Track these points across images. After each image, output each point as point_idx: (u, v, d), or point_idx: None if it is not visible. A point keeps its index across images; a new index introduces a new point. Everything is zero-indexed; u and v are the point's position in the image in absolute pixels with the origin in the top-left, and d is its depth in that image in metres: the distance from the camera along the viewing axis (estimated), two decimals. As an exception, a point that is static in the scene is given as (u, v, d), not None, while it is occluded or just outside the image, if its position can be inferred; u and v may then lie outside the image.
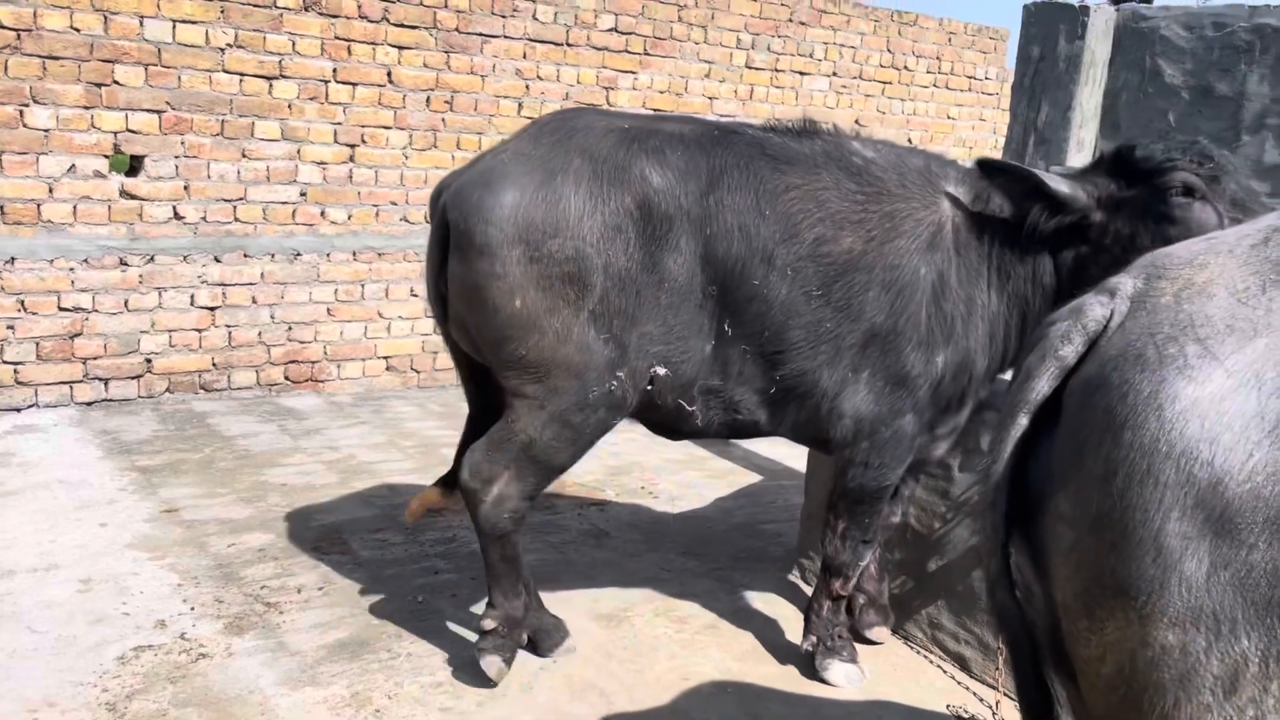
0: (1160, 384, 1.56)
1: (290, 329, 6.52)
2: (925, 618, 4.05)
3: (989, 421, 3.74)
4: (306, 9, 6.17)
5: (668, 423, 3.63)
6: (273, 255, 6.35)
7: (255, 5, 6.01)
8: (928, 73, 9.48)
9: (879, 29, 9.02)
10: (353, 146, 6.51)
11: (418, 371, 7.08)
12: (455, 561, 4.45)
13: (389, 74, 6.55)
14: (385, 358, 6.94)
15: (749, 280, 3.37)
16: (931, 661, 3.99)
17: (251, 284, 6.33)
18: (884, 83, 9.17)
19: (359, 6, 6.33)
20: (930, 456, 3.75)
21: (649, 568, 4.59)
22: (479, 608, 3.87)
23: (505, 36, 6.93)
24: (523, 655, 3.70)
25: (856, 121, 8.98)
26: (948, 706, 3.69)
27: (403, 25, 6.52)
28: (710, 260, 3.36)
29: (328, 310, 6.64)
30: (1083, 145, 4.51)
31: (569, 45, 7.23)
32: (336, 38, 6.30)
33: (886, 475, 3.61)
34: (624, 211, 3.25)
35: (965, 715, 3.62)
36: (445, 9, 6.65)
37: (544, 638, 3.76)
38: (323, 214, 6.49)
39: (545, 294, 3.20)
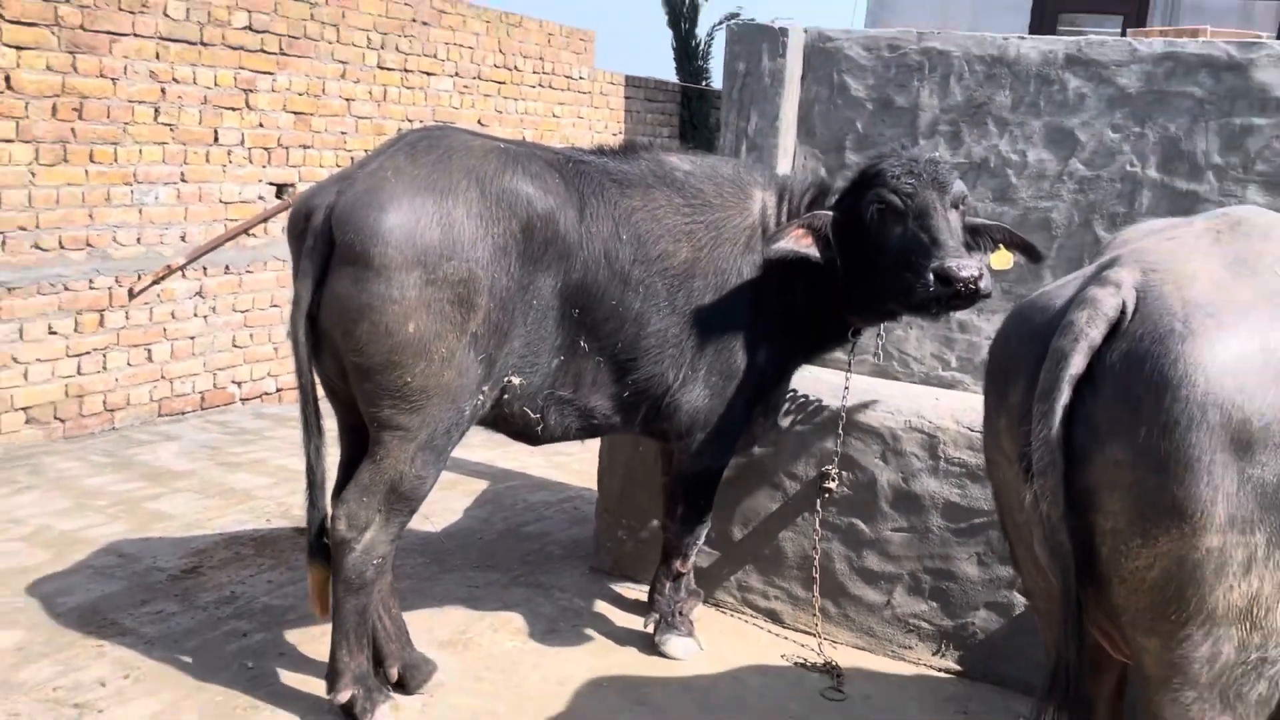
0: (1198, 351, 2.00)
1: (-92, 387, 5.38)
2: (734, 583, 4.47)
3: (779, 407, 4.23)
4: (-103, 1, 5.09)
5: (517, 429, 3.67)
6: (-122, 301, 5.19)
7: None
8: (534, 73, 9.88)
9: (491, 29, 9.23)
10: (-32, 165, 5.49)
11: (63, 420, 6.15)
12: (255, 620, 4.12)
13: (7, 78, 5.59)
14: (25, 409, 5.95)
15: (608, 301, 3.54)
16: (746, 621, 4.39)
17: None
18: (499, 83, 9.42)
19: (-38, -1, 5.34)
20: (752, 441, 4.10)
21: (457, 588, 4.57)
22: (315, 654, 3.69)
23: (136, 35, 6.19)
24: (402, 698, 3.60)
25: (479, 121, 9.15)
26: (782, 656, 4.11)
27: (19, 22, 5.59)
28: (578, 284, 3.48)
29: (-48, 360, 5.56)
30: (787, 151, 5.15)
31: (204, 45, 6.62)
32: (-62, 36, 5.27)
33: (719, 461, 3.93)
34: (510, 234, 3.27)
35: (804, 662, 4.06)
36: (68, 4, 5.80)
37: (413, 673, 3.69)
38: (-62, 246, 5.42)
39: (436, 318, 3.15)
